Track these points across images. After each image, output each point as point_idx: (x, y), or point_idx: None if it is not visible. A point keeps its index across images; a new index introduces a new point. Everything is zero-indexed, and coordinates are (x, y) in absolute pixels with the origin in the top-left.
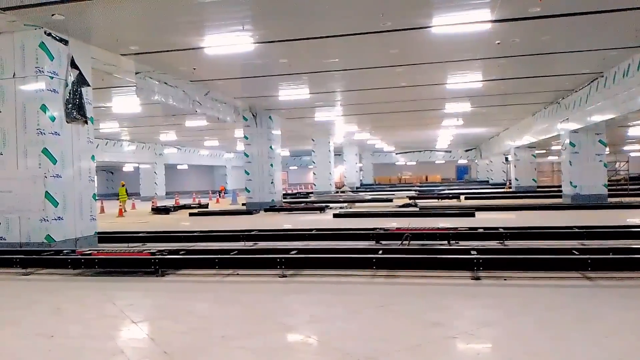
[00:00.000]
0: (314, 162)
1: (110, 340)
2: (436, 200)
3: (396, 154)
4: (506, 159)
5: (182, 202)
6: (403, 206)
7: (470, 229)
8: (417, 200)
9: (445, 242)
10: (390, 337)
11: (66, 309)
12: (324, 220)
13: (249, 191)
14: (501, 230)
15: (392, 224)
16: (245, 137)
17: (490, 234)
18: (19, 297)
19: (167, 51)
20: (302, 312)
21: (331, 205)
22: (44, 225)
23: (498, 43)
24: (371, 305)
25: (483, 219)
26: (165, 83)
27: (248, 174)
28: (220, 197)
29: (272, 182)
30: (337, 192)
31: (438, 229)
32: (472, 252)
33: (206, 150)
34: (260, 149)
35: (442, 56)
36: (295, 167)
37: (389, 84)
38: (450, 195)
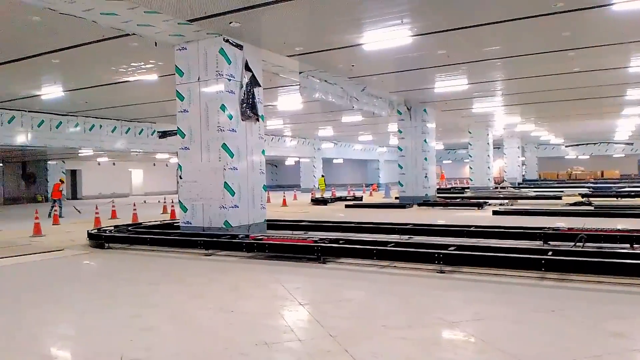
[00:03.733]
0: (470, 156)
1: (281, 318)
2: (614, 198)
3: (565, 146)
4: None
5: (338, 194)
6: (574, 205)
7: None
8: (591, 199)
9: (627, 245)
10: (563, 344)
11: (242, 287)
12: (483, 217)
13: (402, 185)
14: None
15: (561, 223)
16: (399, 131)
17: None
18: (202, 275)
19: (328, 50)
20: (463, 310)
21: (490, 201)
22: (222, 212)
23: None
24: (540, 309)
25: None
26: (325, 81)
27: (401, 167)
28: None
29: (426, 176)
30: (496, 187)
31: (618, 230)
32: None
33: (360, 145)
34: (414, 143)
35: (623, 36)
36: (450, 161)
37: (558, 70)
38: (632, 194)
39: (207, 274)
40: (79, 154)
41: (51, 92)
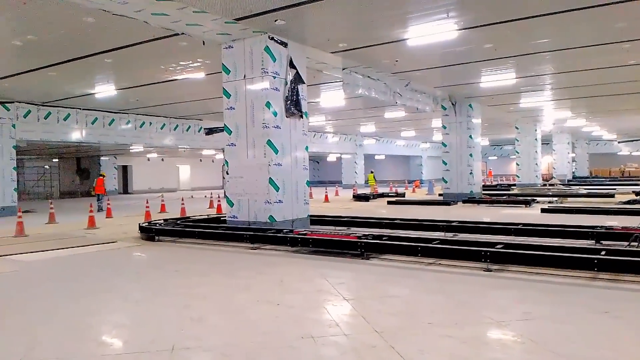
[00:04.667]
0: (517, 152)
1: (326, 313)
2: None
3: (618, 142)
4: None
5: (380, 190)
6: (628, 203)
7: None
8: None
9: None
10: (617, 347)
11: (288, 281)
12: (530, 215)
13: (446, 181)
14: None
15: (613, 222)
16: (444, 127)
17: None
18: (249, 268)
19: (372, 46)
20: (512, 309)
21: (538, 199)
22: (267, 207)
23: None
24: (592, 310)
25: None
26: (368, 77)
27: (445, 164)
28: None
29: (471, 173)
30: (544, 184)
31: None
32: None
33: (402, 141)
34: (459, 139)
35: None
36: (495, 157)
37: (612, 63)
38: None
39: (253, 267)
40: (130, 150)
41: (104, 90)
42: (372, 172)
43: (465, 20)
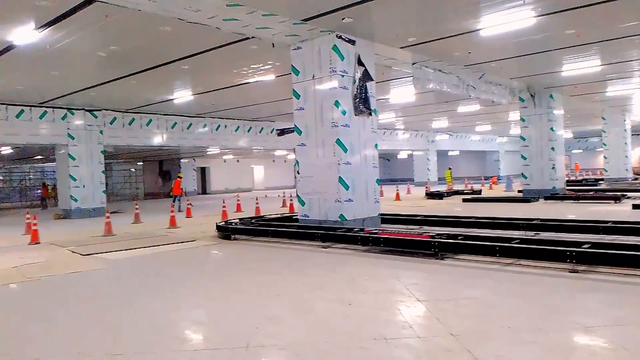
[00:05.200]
0: (604, 144)
1: (399, 314)
2: None
3: None
4: None
5: (455, 187)
6: None
7: None
8: None
9: None
10: None
11: (359, 280)
12: (621, 211)
13: (525, 177)
14: None
15: None
16: (522, 120)
17: None
18: (321, 267)
19: (442, 38)
20: (601, 313)
21: (629, 194)
22: (337, 206)
23: None
24: None
25: None
26: (439, 70)
27: (525, 158)
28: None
29: (553, 168)
30: (635, 178)
31: None
32: None
33: (477, 136)
34: (539, 131)
35: None
36: (580, 150)
37: None
38: None
39: (325, 265)
40: (207, 152)
41: (182, 96)
42: (449, 169)
43: (543, 6)
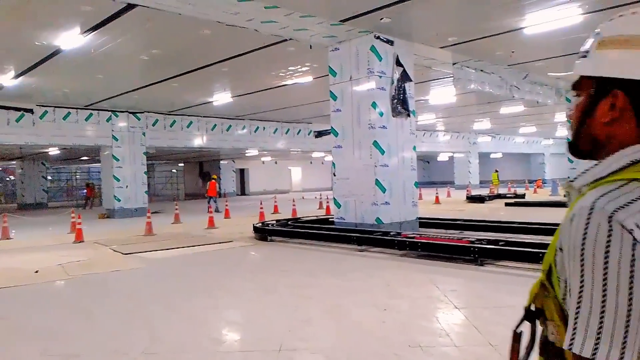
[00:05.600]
0: None
1: (436, 321)
2: None
3: None
4: None
5: (497, 191)
6: None
7: None
8: None
9: None
10: None
11: (395, 285)
12: None
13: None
14: None
15: None
16: (569, 122)
17: None
18: (356, 270)
19: (484, 37)
20: None
21: None
22: (374, 209)
23: None
24: None
25: None
26: (481, 70)
27: (571, 162)
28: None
29: None
30: None
31: None
32: None
33: (521, 138)
34: None
35: None
36: None
37: None
38: None
39: (360, 269)
40: (246, 154)
41: (221, 98)
42: (496, 171)
43: (590, 3)
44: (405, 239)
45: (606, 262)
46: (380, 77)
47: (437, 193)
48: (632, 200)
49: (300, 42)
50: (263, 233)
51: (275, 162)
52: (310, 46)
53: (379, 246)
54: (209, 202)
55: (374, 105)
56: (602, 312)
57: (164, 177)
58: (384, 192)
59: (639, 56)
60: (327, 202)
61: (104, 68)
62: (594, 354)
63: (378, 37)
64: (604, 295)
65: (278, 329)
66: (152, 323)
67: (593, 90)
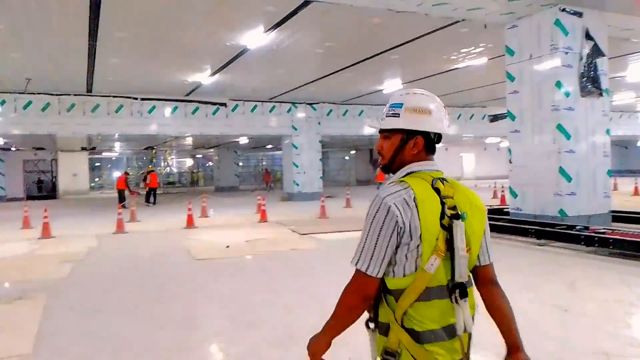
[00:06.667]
0: None
1: (626, 327)
2: None
3: None
4: None
5: None
6: None
7: None
8: None
9: None
10: None
11: (580, 285)
12: None
13: None
14: None
15: None
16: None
17: None
18: (535, 266)
19: None
20: None
21: None
22: (557, 200)
23: None
24: None
25: None
26: None
27: None
28: None
29: None
30: None
31: None
32: None
33: None
34: None
35: None
36: None
37: None
38: None
39: (539, 265)
40: None
41: (391, 85)
42: None
43: None
44: (594, 234)
45: (373, 219)
46: (567, 53)
47: (636, 183)
48: (395, 192)
49: (473, 23)
50: None
51: (446, 149)
52: (485, 26)
53: (562, 241)
54: (378, 188)
55: (558, 84)
56: (365, 243)
57: (337, 164)
58: (569, 182)
59: (425, 119)
60: (502, 191)
61: (284, 63)
62: (356, 263)
63: (564, 10)
64: (367, 235)
65: None
66: (324, 302)
67: (405, 136)
